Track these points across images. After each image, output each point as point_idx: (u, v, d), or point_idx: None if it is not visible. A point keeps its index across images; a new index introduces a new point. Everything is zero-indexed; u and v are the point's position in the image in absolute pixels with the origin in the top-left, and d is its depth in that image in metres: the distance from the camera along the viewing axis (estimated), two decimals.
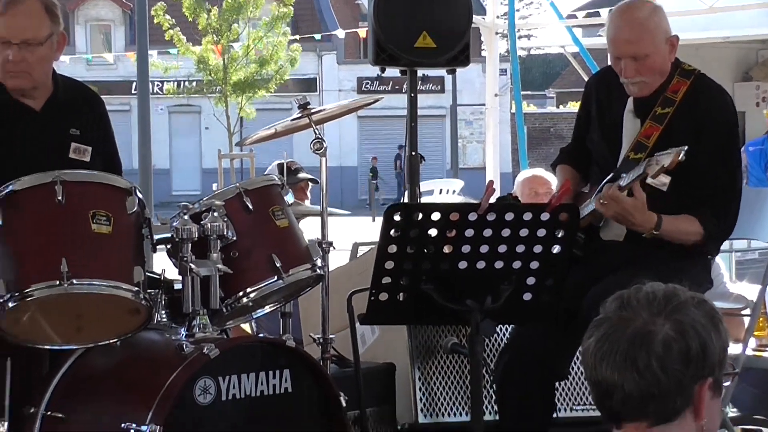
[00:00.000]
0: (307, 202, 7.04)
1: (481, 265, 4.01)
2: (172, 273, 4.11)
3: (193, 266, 3.95)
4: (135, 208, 3.90)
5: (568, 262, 4.11)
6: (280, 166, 5.48)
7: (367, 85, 40.42)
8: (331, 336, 4.69)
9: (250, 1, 33.80)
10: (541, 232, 4.01)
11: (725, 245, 5.03)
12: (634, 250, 4.30)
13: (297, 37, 33.42)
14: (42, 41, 4.22)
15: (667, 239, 4.26)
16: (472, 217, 3.96)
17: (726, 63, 14.57)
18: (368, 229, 19.81)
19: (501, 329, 5.02)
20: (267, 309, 4.41)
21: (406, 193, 6.12)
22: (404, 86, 6.37)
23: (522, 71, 16.72)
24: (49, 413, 3.89)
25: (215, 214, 4.04)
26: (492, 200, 4.02)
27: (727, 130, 4.39)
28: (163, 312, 4.08)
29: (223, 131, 35.72)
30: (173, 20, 32.53)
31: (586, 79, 9.12)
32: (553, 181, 5.81)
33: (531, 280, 4.08)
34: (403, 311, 4.14)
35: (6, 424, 3.88)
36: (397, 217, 3.96)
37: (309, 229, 5.19)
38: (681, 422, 2.20)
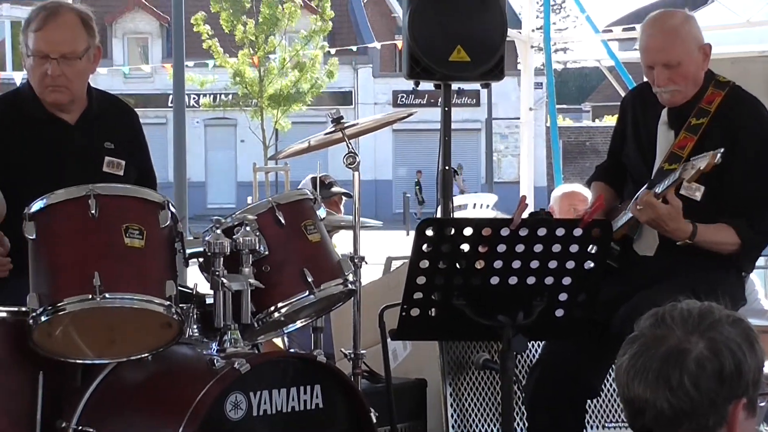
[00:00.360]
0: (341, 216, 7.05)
1: (513, 280, 3.99)
2: (204, 287, 4.11)
3: (224, 281, 3.94)
4: (168, 222, 3.90)
5: (600, 277, 4.09)
6: (314, 180, 5.49)
7: (403, 99, 40.46)
8: (362, 351, 4.67)
9: (286, 13, 33.92)
10: (574, 248, 4.00)
11: (760, 261, 5.00)
12: (667, 265, 4.27)
13: (333, 50, 33.51)
14: (80, 55, 4.26)
15: (702, 248, 4.23)
16: (505, 232, 3.95)
17: (762, 76, 14.46)
18: (402, 243, 19.80)
19: (533, 345, 4.99)
20: (299, 324, 4.40)
21: (439, 207, 6.10)
22: (439, 100, 6.36)
23: (558, 84, 16.66)
24: (80, 427, 3.89)
25: (247, 228, 4.03)
26: (524, 215, 4.00)
27: (762, 140, 4.36)
28: (195, 326, 4.08)
29: (258, 144, 35.84)
30: (213, 30, 32.80)
31: (622, 93, 9.09)
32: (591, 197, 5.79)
33: (563, 296, 4.06)
34: (435, 327, 4.13)
35: None
36: (429, 232, 3.95)
37: (342, 243, 5.19)
38: None
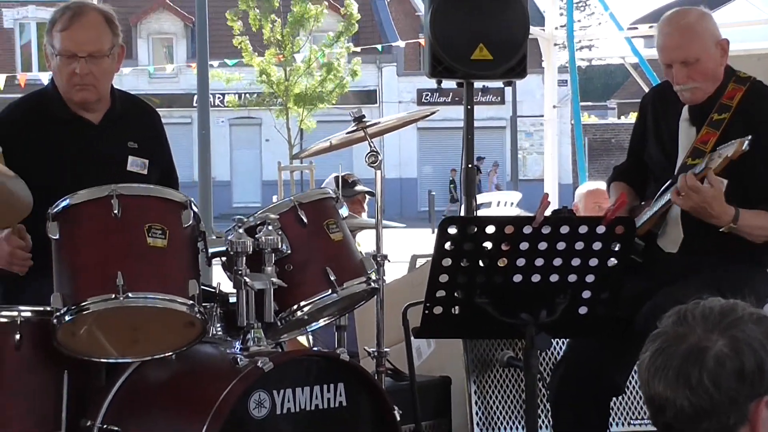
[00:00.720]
0: (364, 215, 7.05)
1: (536, 278, 3.99)
2: (227, 286, 4.12)
3: (247, 280, 3.95)
4: (190, 222, 3.91)
5: (623, 274, 4.08)
6: (337, 179, 5.49)
7: (427, 97, 40.42)
8: (386, 349, 4.68)
9: (313, 13, 33.99)
10: (597, 246, 3.99)
11: None
12: (691, 262, 4.25)
13: (358, 49, 33.53)
14: (106, 53, 4.29)
15: (742, 234, 4.18)
16: (527, 230, 3.94)
17: None
18: (427, 241, 19.79)
19: (557, 343, 4.99)
20: (322, 322, 4.41)
21: (462, 206, 6.10)
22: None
23: (583, 81, 16.63)
24: (105, 426, 3.91)
25: (270, 227, 4.04)
26: (547, 213, 4.00)
27: None
28: (218, 325, 4.09)
29: (283, 143, 35.88)
30: (244, 27, 32.95)
31: (647, 90, 9.05)
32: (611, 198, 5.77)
33: (586, 294, 4.06)
34: (458, 325, 4.13)
35: None
36: (451, 230, 3.94)
37: (366, 241, 5.19)
38: None
